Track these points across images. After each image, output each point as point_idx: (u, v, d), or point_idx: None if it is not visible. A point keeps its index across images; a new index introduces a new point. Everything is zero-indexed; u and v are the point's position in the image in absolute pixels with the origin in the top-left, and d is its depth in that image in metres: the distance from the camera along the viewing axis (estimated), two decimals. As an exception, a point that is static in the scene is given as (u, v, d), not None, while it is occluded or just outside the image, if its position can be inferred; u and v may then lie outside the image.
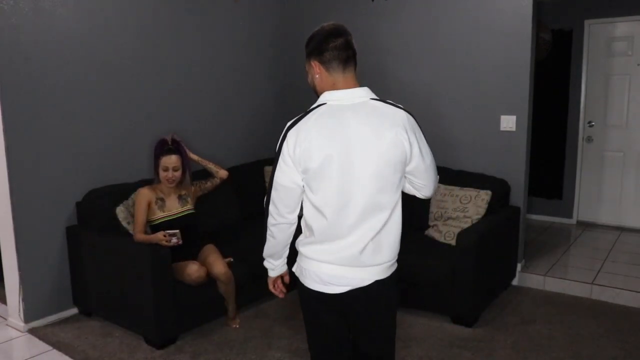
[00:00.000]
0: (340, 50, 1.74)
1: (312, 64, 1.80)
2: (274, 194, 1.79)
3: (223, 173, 3.59)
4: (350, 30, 1.80)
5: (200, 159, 3.54)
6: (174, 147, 3.28)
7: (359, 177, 1.70)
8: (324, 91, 1.77)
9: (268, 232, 1.87)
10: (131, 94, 3.74)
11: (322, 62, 1.76)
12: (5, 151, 3.13)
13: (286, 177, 1.74)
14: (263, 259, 1.96)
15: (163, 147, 3.26)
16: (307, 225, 1.81)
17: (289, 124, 1.75)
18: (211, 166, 3.56)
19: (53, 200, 3.36)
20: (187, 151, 3.42)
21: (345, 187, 1.70)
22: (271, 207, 1.81)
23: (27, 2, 3.14)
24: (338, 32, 1.77)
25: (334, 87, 1.75)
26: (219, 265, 3.20)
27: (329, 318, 1.88)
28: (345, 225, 1.73)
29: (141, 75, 3.78)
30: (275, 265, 1.96)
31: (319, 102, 1.77)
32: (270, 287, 2.01)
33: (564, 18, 5.42)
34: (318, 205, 1.74)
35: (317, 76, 1.79)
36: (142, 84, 3.80)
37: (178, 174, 3.25)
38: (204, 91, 4.27)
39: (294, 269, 1.90)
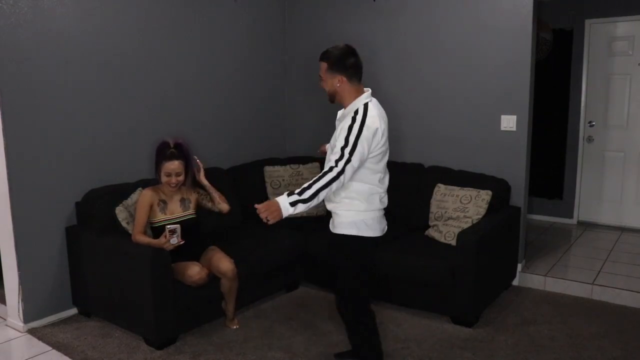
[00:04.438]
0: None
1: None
2: (356, 156, 2.31)
3: (224, 207, 3.42)
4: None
5: (210, 186, 3.38)
6: (177, 151, 3.22)
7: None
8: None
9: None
10: (131, 94, 3.73)
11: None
12: (5, 151, 3.12)
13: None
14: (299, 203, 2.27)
15: (165, 152, 3.20)
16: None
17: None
18: (215, 196, 3.40)
19: (53, 200, 3.36)
20: (200, 175, 3.34)
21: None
22: (348, 170, 2.32)
23: (26, 2, 3.13)
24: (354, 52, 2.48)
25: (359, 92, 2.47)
26: (225, 262, 3.20)
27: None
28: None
29: (141, 75, 3.78)
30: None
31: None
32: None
33: (564, 17, 5.42)
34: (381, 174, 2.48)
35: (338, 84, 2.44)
36: (141, 83, 3.79)
37: (181, 178, 3.23)
38: (204, 91, 4.26)
39: (350, 229, 2.44)
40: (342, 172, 2.30)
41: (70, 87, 3.39)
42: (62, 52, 3.33)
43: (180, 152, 3.23)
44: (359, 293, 2.59)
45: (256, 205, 2.25)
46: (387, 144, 2.48)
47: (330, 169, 2.30)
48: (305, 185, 2.29)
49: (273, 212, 2.22)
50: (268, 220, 2.24)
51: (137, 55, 3.74)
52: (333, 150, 2.37)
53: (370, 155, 2.38)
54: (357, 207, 2.44)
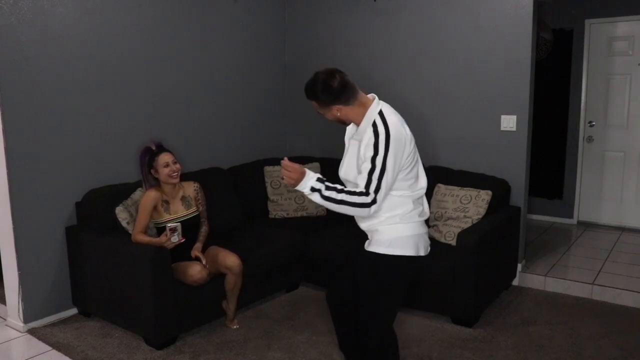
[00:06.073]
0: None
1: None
2: (386, 181, 2.08)
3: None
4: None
5: (199, 253, 3.25)
6: (162, 147, 3.29)
7: None
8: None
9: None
10: (131, 94, 3.73)
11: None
12: (5, 151, 3.12)
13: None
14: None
15: (152, 151, 3.25)
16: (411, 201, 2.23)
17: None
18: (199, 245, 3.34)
19: (53, 200, 3.36)
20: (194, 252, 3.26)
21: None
22: (379, 198, 2.08)
23: (26, 2, 3.13)
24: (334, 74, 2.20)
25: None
26: (232, 257, 3.21)
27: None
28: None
29: (141, 74, 3.78)
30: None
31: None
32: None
33: (564, 17, 5.42)
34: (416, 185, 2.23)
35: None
36: (141, 83, 3.79)
37: (179, 166, 3.26)
38: (204, 91, 4.26)
39: (389, 249, 2.19)
40: (374, 201, 2.06)
41: (70, 87, 3.39)
42: (62, 52, 3.33)
43: (165, 147, 3.29)
44: (389, 320, 2.38)
45: (284, 161, 2.08)
46: (415, 148, 2.22)
47: (362, 193, 2.06)
48: (338, 187, 2.08)
49: (294, 177, 2.05)
50: (283, 179, 2.09)
51: (137, 55, 3.74)
52: (360, 173, 2.11)
53: (402, 168, 2.13)
54: (404, 220, 2.24)
